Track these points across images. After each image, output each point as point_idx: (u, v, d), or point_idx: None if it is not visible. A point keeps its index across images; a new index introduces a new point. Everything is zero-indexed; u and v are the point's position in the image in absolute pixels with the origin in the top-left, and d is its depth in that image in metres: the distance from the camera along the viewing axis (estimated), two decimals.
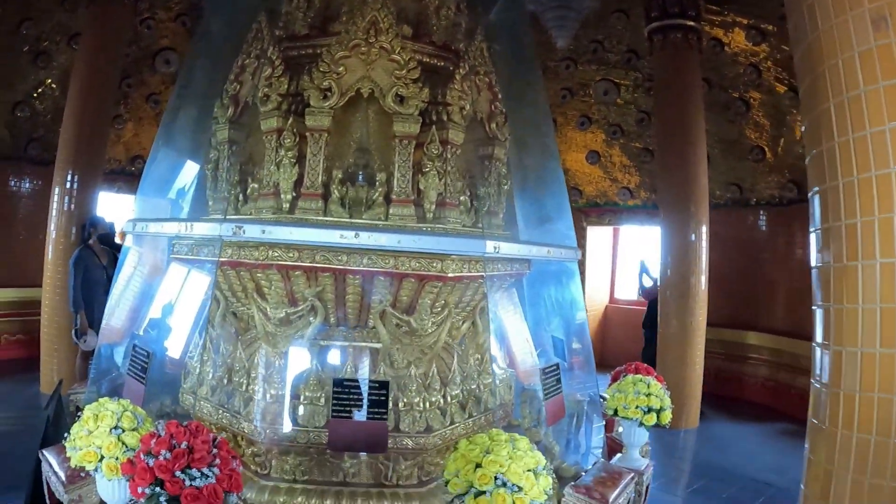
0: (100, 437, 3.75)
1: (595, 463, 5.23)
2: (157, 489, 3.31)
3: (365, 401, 4.31)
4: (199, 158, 5.86)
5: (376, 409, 4.30)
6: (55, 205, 8.88)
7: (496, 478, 3.53)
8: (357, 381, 4.44)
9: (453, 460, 3.73)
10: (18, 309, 10.56)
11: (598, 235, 14.16)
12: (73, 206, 8.88)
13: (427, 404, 4.74)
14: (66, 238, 8.83)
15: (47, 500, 4.68)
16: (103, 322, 6.44)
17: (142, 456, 3.38)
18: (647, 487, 5.50)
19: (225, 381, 5.02)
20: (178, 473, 3.29)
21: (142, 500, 3.35)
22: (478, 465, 3.59)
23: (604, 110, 12.25)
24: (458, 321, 5.14)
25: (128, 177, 11.34)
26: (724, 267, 10.51)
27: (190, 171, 6.09)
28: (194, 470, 3.32)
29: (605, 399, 6.67)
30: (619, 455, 5.51)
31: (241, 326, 5.29)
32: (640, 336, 10.95)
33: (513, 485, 3.51)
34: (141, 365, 5.07)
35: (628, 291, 13.89)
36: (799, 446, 8.29)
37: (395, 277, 4.55)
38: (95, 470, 3.76)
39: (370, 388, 4.35)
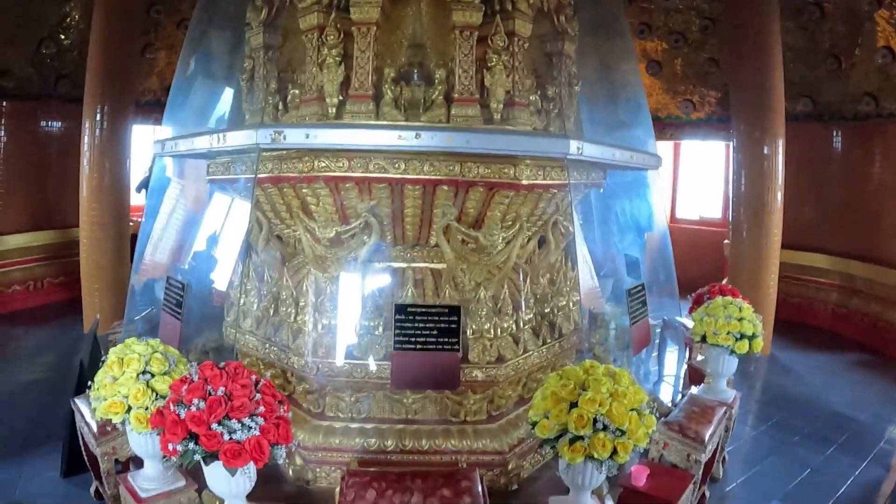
0: (126, 384, 3.25)
1: (684, 396, 4.68)
2: (192, 445, 2.79)
3: (433, 329, 3.78)
4: (233, 74, 5.31)
5: (447, 339, 3.76)
6: (86, 140, 8.44)
7: (595, 420, 2.99)
8: (423, 306, 3.89)
9: (542, 399, 3.17)
10: (58, 251, 10.26)
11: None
12: (104, 141, 8.44)
13: (498, 331, 4.20)
14: (100, 173, 8.43)
15: (84, 452, 4.30)
16: (145, 256, 6.07)
17: (172, 406, 2.85)
18: (734, 422, 4.95)
19: (271, 311, 4.55)
20: (214, 426, 2.77)
21: (174, 458, 2.85)
22: (573, 405, 3.05)
23: (664, 17, 11.16)
24: (527, 237, 4.59)
25: (163, 108, 10.82)
26: (793, 185, 9.72)
27: (222, 87, 5.58)
28: (234, 421, 2.79)
29: (682, 324, 6.12)
30: (701, 385, 4.94)
31: (286, 251, 4.80)
32: (704, 258, 10.27)
33: (616, 428, 2.98)
34: (176, 298, 4.60)
35: (691, 210, 12.94)
36: (876, 378, 7.72)
37: (461, 187, 3.96)
38: (123, 422, 3.29)
39: (439, 313, 3.80)
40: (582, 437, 2.99)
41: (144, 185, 10.21)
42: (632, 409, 3.05)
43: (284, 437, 2.92)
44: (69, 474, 4.77)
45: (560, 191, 4.33)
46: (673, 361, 6.78)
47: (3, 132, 9.60)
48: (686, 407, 4.42)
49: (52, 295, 10.36)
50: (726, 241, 9.36)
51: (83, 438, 4.24)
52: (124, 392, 3.24)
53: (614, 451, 2.99)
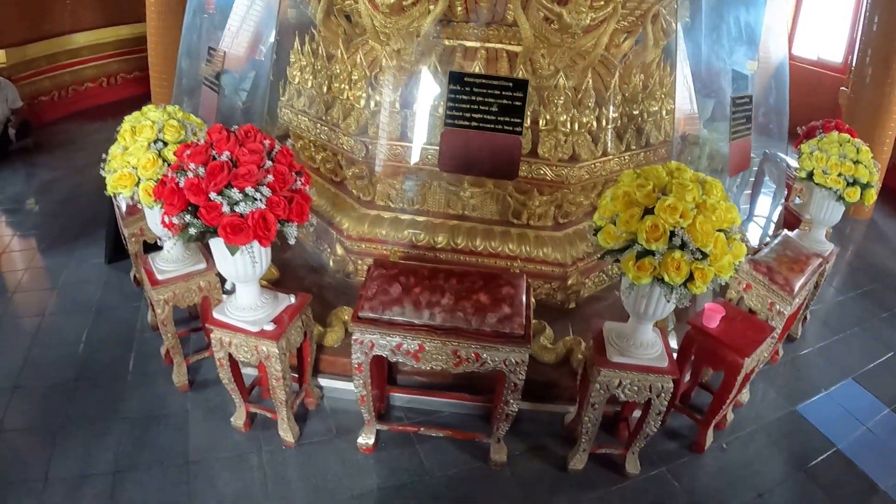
0: (136, 153, 2.86)
1: (777, 236, 4.08)
2: (189, 217, 2.37)
3: (493, 105, 3.21)
4: None
5: (508, 118, 3.19)
6: None
7: (673, 233, 2.36)
8: (483, 77, 3.29)
9: (611, 199, 2.55)
10: (132, 46, 10.09)
11: None
12: None
13: (575, 126, 3.63)
14: None
15: (123, 239, 4.11)
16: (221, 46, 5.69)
17: (170, 173, 2.42)
18: (824, 279, 4.34)
19: (324, 88, 4.09)
20: (213, 195, 2.34)
21: (175, 235, 2.44)
22: (647, 211, 2.43)
23: None
24: (623, 33, 3.92)
25: None
26: None
27: None
28: (235, 191, 2.35)
29: (785, 161, 5.43)
30: (796, 231, 4.31)
31: (349, 27, 4.29)
32: (816, 104, 9.25)
33: (696, 248, 2.35)
34: (214, 70, 4.19)
35: (810, 49, 11.13)
36: None
37: None
38: (132, 197, 2.91)
39: (501, 87, 3.20)
40: (653, 253, 2.39)
41: None
42: (720, 230, 2.42)
43: (298, 214, 2.48)
44: (112, 261, 4.84)
45: None
46: (767, 202, 6.11)
47: None
48: (778, 249, 3.84)
49: (127, 90, 10.32)
50: (843, 89, 8.34)
51: (119, 223, 4.07)
52: (134, 162, 2.87)
53: (690, 278, 2.39)
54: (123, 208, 3.87)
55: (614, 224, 2.51)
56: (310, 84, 4.18)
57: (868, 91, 7.35)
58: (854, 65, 7.70)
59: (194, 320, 3.97)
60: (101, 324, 4.13)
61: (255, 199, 2.37)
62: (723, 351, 3.10)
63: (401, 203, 3.92)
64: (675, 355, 3.18)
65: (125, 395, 3.50)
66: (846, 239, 6.79)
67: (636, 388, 2.80)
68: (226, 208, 2.34)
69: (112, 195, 3.81)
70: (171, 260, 3.29)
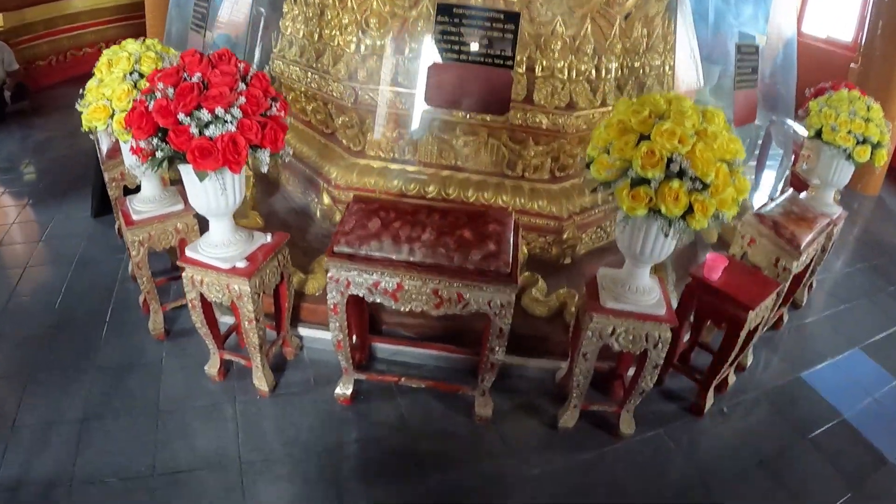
0: (111, 85, 2.72)
1: (784, 193, 3.91)
2: (156, 141, 2.23)
3: (483, 38, 3.03)
4: None
5: (499, 51, 3.02)
6: None
7: (670, 160, 2.16)
8: (473, 8, 3.12)
9: (605, 127, 2.36)
10: (131, 12, 9.95)
11: None
12: None
13: (573, 73, 3.47)
14: None
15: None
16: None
17: (140, 96, 2.29)
18: (832, 244, 4.16)
19: (315, 36, 3.94)
20: (182, 117, 2.19)
21: (144, 164, 2.28)
22: (643, 137, 2.22)
23: None
24: None
25: None
26: None
27: None
28: (205, 112, 2.20)
29: (792, 127, 5.24)
30: (804, 193, 4.11)
31: None
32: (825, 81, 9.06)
33: (695, 177, 2.15)
34: (201, 12, 4.04)
35: (819, 27, 10.70)
36: None
37: None
38: (105, 128, 2.77)
39: (493, 18, 3.03)
40: (648, 182, 2.19)
41: None
42: (721, 161, 2.21)
43: (272, 140, 2.33)
44: (99, 214, 4.79)
45: None
46: (773, 170, 5.94)
47: None
48: (785, 205, 3.64)
49: None
50: (853, 65, 8.13)
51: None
52: (108, 94, 2.73)
53: (689, 211, 2.19)
54: (105, 152, 3.75)
55: (608, 153, 2.32)
56: (301, 33, 4.03)
57: (876, 64, 7.18)
58: (864, 41, 7.50)
59: (175, 270, 3.85)
60: (82, 275, 4.03)
61: (226, 122, 2.22)
62: (726, 304, 2.91)
63: (391, 153, 3.77)
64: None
65: (100, 344, 3.39)
66: (854, 213, 6.63)
67: (631, 338, 2.63)
68: (194, 130, 2.19)
69: (96, 143, 3.71)
70: (147, 200, 3.16)
